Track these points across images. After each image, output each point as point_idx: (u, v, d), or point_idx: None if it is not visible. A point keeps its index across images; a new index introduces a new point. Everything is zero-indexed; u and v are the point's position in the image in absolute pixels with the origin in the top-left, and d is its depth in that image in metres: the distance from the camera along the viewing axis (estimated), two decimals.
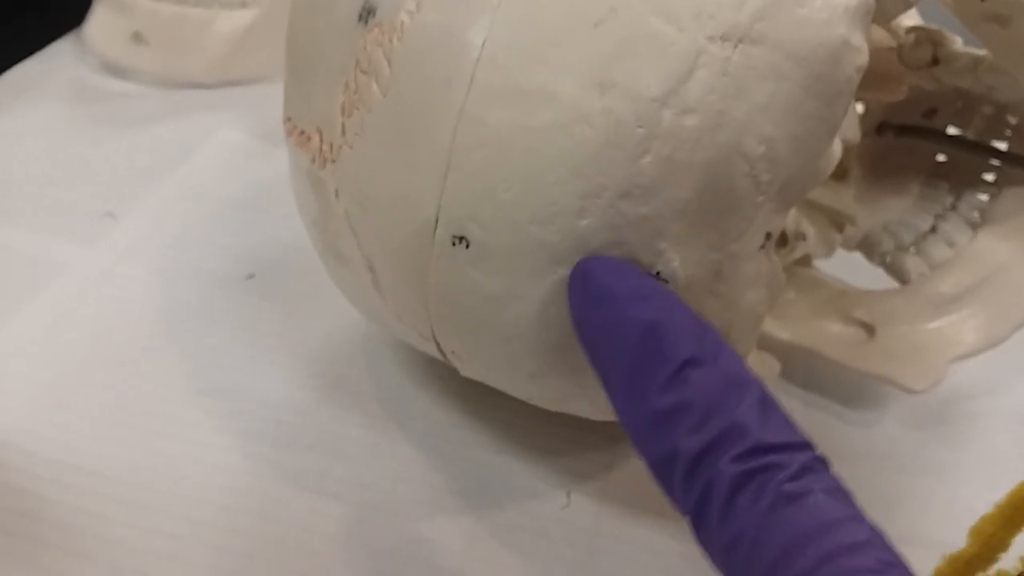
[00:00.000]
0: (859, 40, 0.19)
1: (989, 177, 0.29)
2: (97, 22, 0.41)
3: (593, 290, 0.18)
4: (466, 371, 0.24)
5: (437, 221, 0.19)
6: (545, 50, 0.18)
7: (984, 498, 0.27)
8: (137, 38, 0.41)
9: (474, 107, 0.18)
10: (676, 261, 0.19)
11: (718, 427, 0.16)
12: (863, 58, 0.19)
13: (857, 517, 0.15)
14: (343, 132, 0.21)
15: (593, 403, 0.23)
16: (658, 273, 0.19)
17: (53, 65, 0.43)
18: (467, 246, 0.19)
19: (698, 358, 0.16)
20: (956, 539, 0.25)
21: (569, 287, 0.19)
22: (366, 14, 0.20)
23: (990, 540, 0.19)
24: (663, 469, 0.17)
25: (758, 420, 0.16)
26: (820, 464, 0.16)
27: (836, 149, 0.22)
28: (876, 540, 0.15)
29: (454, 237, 0.19)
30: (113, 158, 0.38)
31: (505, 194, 0.18)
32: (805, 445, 0.16)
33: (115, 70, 0.43)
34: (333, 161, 0.21)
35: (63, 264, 0.32)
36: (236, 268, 0.33)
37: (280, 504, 0.25)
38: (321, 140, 0.22)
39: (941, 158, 0.30)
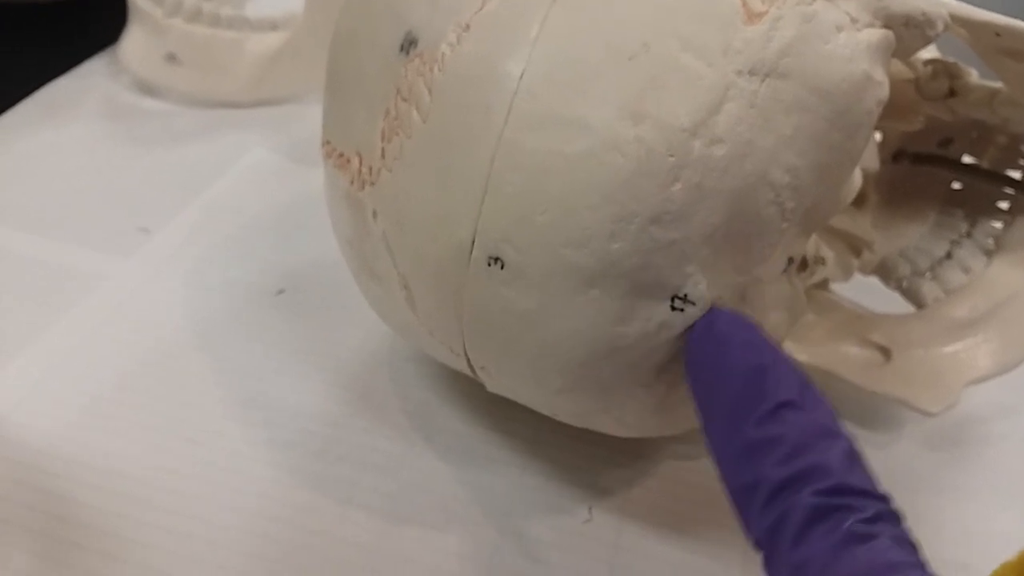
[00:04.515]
0: (880, 75, 0.20)
1: (1003, 205, 0.30)
2: (131, 42, 0.42)
3: (714, 334, 0.19)
4: (493, 386, 0.24)
5: (473, 243, 0.20)
6: (581, 82, 0.19)
7: (997, 519, 0.27)
8: (171, 58, 0.42)
9: (512, 134, 0.19)
10: (703, 284, 0.19)
11: (804, 463, 0.17)
12: (884, 92, 0.20)
13: (919, 565, 0.16)
14: (383, 156, 0.21)
15: (616, 420, 0.23)
16: (685, 295, 0.19)
17: (87, 83, 0.44)
18: (502, 267, 0.20)
19: (796, 403, 0.18)
20: (969, 559, 0.25)
21: (692, 329, 0.20)
22: (408, 45, 0.21)
23: None
24: (744, 496, 0.17)
25: (843, 466, 0.17)
26: (894, 516, 0.17)
27: (857, 177, 0.22)
28: None
29: (490, 258, 0.20)
30: (147, 175, 0.39)
31: (540, 218, 0.19)
32: (883, 497, 0.17)
33: (149, 89, 0.44)
34: (372, 184, 0.22)
35: (100, 276, 0.33)
36: (266, 283, 0.33)
37: (309, 512, 0.26)
38: (360, 163, 0.22)
39: (956, 186, 0.30)
